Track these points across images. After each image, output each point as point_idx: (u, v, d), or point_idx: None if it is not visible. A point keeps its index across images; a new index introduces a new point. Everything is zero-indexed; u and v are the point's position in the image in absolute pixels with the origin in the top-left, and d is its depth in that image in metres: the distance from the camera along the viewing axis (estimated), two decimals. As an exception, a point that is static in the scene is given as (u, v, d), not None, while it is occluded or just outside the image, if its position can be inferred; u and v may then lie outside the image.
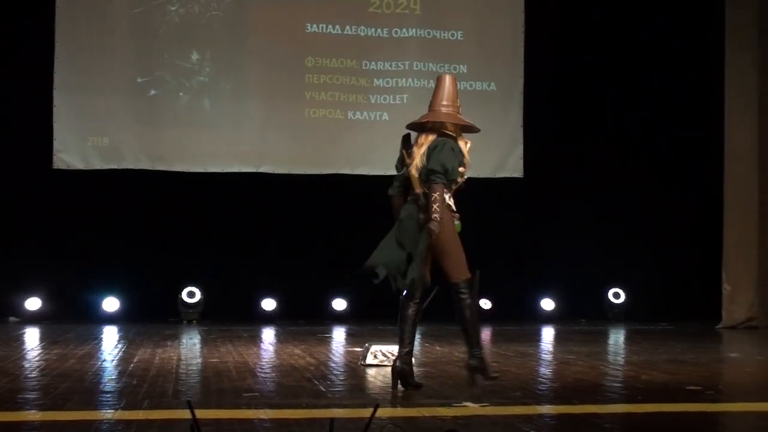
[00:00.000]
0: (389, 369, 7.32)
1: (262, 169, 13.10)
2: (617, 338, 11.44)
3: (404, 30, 13.62)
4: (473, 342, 6.48)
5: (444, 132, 6.55)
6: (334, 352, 9.25)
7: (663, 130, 14.03)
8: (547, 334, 11.78)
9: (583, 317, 13.71)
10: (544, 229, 13.74)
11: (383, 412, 5.25)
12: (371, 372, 7.27)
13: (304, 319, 12.73)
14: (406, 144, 6.64)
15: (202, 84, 13.06)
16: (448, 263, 6.49)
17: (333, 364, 7.97)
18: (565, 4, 13.98)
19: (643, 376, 7.00)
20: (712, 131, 13.40)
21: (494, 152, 13.70)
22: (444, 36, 13.72)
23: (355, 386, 6.64)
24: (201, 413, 4.68)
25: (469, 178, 13.90)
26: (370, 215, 13.32)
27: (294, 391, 6.26)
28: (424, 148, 6.49)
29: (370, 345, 7.78)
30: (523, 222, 13.70)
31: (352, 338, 10.60)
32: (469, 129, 6.74)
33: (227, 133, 13.01)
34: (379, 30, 13.57)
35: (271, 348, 9.61)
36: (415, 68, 13.60)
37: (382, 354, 7.63)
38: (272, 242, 13.04)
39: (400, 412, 5.47)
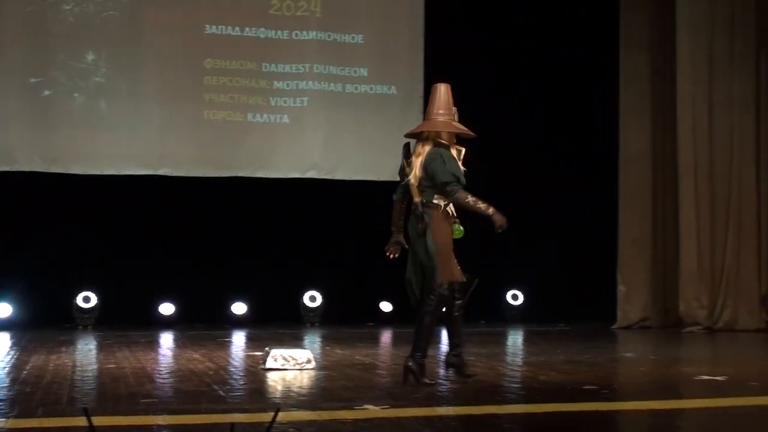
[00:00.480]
0: (290, 373, 7.31)
1: (160, 172, 12.93)
2: (515, 339, 11.59)
3: (304, 32, 13.60)
4: (418, 344, 6.72)
5: (439, 141, 6.73)
6: (233, 356, 9.18)
7: (560, 131, 14.26)
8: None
9: (482, 319, 13.85)
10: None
11: (284, 416, 5.23)
12: (272, 376, 7.23)
13: (203, 323, 12.60)
14: (407, 153, 6.82)
15: (98, 85, 12.84)
16: (440, 263, 6.72)
17: (233, 369, 7.91)
18: (465, 9, 14.12)
19: (541, 376, 7.10)
20: (608, 133, 13.67)
21: (394, 156, 13.67)
22: (344, 39, 13.73)
23: (255, 390, 6.60)
24: (98, 420, 4.60)
25: (369, 182, 14.00)
26: (269, 218, 13.35)
27: (193, 397, 6.19)
28: (420, 159, 6.70)
29: (271, 348, 7.74)
30: (424, 224, 13.77)
31: (252, 342, 10.54)
32: (465, 136, 6.93)
33: (124, 134, 12.82)
34: (279, 32, 13.52)
35: (169, 353, 9.50)
36: (315, 71, 13.58)
37: (282, 358, 7.59)
38: (170, 245, 12.87)
39: (300, 415, 5.45)
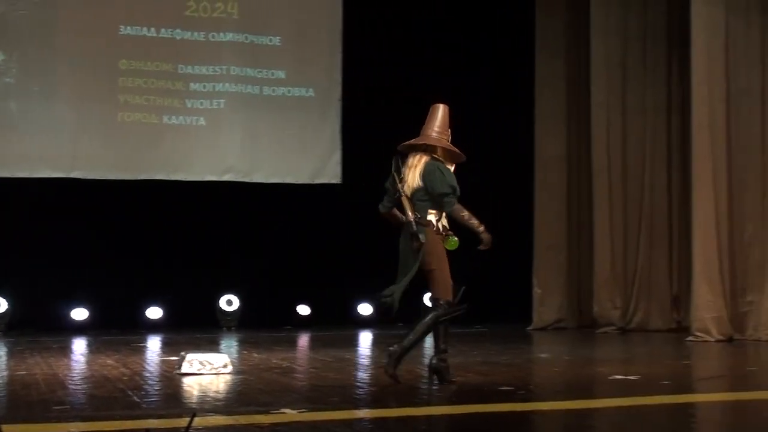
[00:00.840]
0: (206, 378, 7.25)
1: (73, 175, 12.74)
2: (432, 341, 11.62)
3: (221, 34, 13.51)
4: (407, 347, 6.96)
5: (434, 156, 6.91)
6: (148, 361, 9.07)
7: (477, 135, 14.36)
8: (365, 338, 11.89)
9: (400, 321, 13.88)
10: (362, 234, 13.86)
11: (200, 421, 5.19)
12: (188, 381, 7.16)
13: (117, 328, 12.43)
14: (397, 167, 6.93)
15: (8, 85, 12.59)
16: (433, 281, 6.92)
17: (148, 374, 7.81)
18: (382, 12, 14.16)
19: (459, 377, 7.15)
20: (524, 137, 13.82)
21: (312, 158, 13.77)
22: (262, 41, 13.68)
23: (170, 396, 6.53)
24: (9, 428, 4.51)
25: (286, 184, 13.96)
26: (185, 221, 13.22)
27: (107, 403, 6.10)
28: (418, 170, 6.86)
29: (186, 353, 7.66)
30: (342, 227, 13.78)
31: (167, 347, 10.43)
32: (457, 157, 7.11)
33: (36, 136, 12.59)
34: (195, 33, 13.41)
35: (82, 359, 9.34)
36: (232, 73, 13.50)
37: (198, 362, 7.52)
38: (82, 248, 12.65)
39: (217, 420, 5.41)
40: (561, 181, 13.64)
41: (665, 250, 12.75)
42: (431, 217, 6.86)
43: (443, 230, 6.88)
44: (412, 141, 7.04)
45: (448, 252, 6.93)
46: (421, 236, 6.76)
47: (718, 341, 10.72)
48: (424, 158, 6.91)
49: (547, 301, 13.40)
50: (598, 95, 12.95)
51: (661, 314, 12.66)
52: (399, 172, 6.89)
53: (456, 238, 6.91)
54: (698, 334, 10.90)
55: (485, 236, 6.83)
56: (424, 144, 6.97)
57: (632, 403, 6.06)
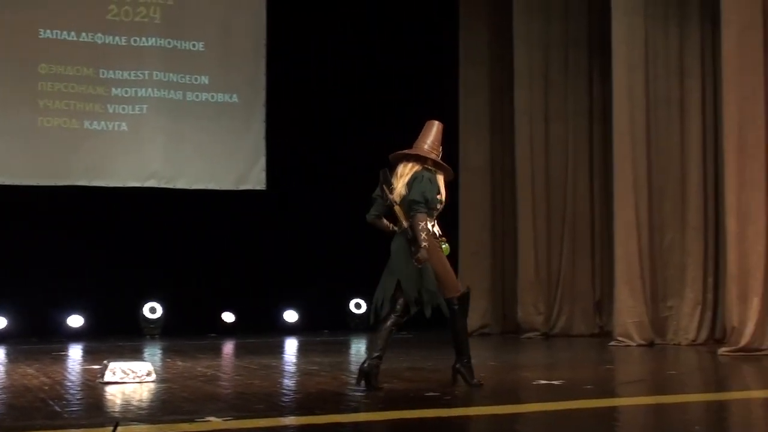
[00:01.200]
0: (130, 386, 7.16)
1: (-9, 180, 12.52)
2: (359, 348, 11.65)
3: (144, 39, 13.38)
4: (461, 351, 7.14)
5: (426, 167, 7.05)
6: (70, 370, 8.93)
7: (402, 143, 14.41)
8: (291, 345, 11.85)
9: (326, 328, 13.89)
10: (287, 240, 13.83)
11: (123, 430, 5.12)
12: (110, 390, 7.06)
13: (37, 336, 12.22)
14: (385, 178, 7.05)
15: (-77, 89, 12.33)
16: (440, 284, 6.96)
17: (69, 383, 7.69)
18: (307, 18, 14.15)
19: (385, 384, 7.16)
20: (449, 145, 13.87)
21: (237, 165, 13.70)
22: (185, 46, 13.58)
23: (93, 405, 6.43)
24: (-76, 440, 4.40)
25: (211, 191, 13.86)
26: (107, 227, 13.05)
27: (27, 413, 5.99)
28: (406, 178, 7.01)
29: (109, 362, 7.56)
30: (266, 234, 13.73)
31: (89, 355, 10.27)
32: (446, 172, 7.23)
33: (-48, 141, 12.35)
34: (117, 38, 13.26)
35: (1, 368, 9.16)
36: (155, 78, 13.38)
37: (121, 371, 7.42)
38: (1, 256, 12.43)
39: (140, 429, 5.34)
40: (485, 188, 13.76)
41: (588, 256, 12.92)
42: (428, 225, 6.97)
43: (438, 236, 7.03)
44: (405, 151, 7.19)
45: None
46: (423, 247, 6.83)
47: (639, 346, 10.89)
48: (415, 168, 7.06)
49: (471, 307, 13.43)
50: (521, 103, 13.09)
51: (584, 319, 12.82)
52: (388, 183, 7.03)
53: (447, 245, 7.07)
54: (620, 338, 11.06)
55: (422, 254, 6.82)
56: (416, 154, 7.12)
57: (557, 408, 6.12)
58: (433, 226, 7.02)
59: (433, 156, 7.15)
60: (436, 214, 7.04)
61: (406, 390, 6.98)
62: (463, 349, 7.18)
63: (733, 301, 9.68)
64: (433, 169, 7.12)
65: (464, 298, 7.17)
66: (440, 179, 7.13)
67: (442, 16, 14.16)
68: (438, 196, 7.01)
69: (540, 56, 13.10)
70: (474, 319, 13.42)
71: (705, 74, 11.47)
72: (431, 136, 7.24)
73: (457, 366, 7.16)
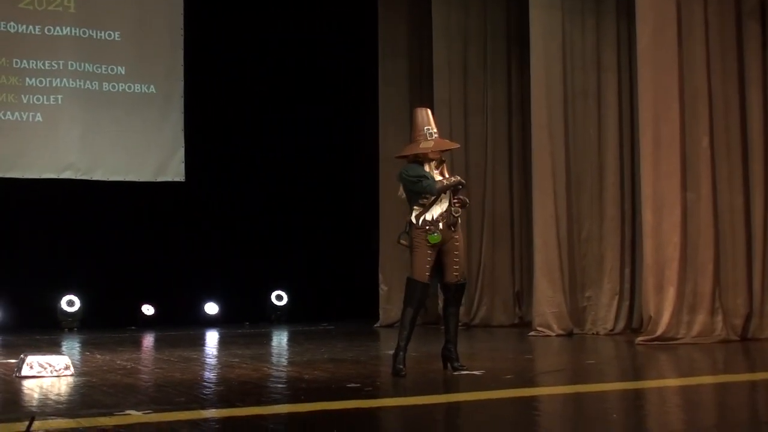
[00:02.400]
0: (47, 380, 7.06)
1: None
2: (280, 340, 11.63)
3: (58, 28, 13.17)
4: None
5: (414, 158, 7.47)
6: (-15, 365, 8.75)
7: (323, 134, 14.42)
8: (212, 337, 11.78)
9: (247, 320, 13.83)
10: (207, 232, 13.74)
11: (40, 425, 5.04)
12: (27, 384, 6.95)
13: (-50, 331, 11.97)
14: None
15: None
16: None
17: (-16, 378, 7.54)
18: (225, 7, 14.06)
19: (306, 375, 7.15)
20: (368, 136, 13.92)
21: (155, 156, 13.56)
22: (101, 36, 13.40)
23: (9, 399, 6.32)
24: None
25: (128, 182, 13.62)
26: (23, 220, 12.82)
27: (-59, 409, 5.87)
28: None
29: (26, 356, 7.43)
30: (186, 226, 13.63)
31: (5, 349, 10.08)
32: (424, 154, 7.45)
33: None
34: (30, 27, 13.04)
35: None
36: (70, 68, 13.18)
37: (38, 365, 7.30)
38: None
39: (58, 423, 5.27)
40: (405, 180, 13.78)
41: (507, 247, 13.05)
42: (413, 218, 7.42)
43: (424, 224, 7.30)
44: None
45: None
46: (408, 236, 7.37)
47: (558, 335, 11.04)
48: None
49: (393, 298, 13.51)
50: (440, 96, 13.15)
51: (504, 310, 12.95)
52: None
53: (436, 234, 7.23)
54: (539, 328, 11.20)
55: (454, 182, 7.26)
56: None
57: (477, 398, 6.18)
58: (420, 214, 7.30)
59: (411, 149, 7.51)
60: (424, 200, 7.31)
61: (327, 381, 6.98)
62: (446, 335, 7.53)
63: (649, 291, 9.86)
64: (421, 159, 7.44)
65: (459, 288, 7.41)
66: (427, 167, 7.39)
67: (361, 8, 14.16)
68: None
69: (459, 48, 13.18)
70: (395, 311, 13.46)
71: (621, 68, 11.66)
72: (412, 124, 7.58)
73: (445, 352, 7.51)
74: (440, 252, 7.26)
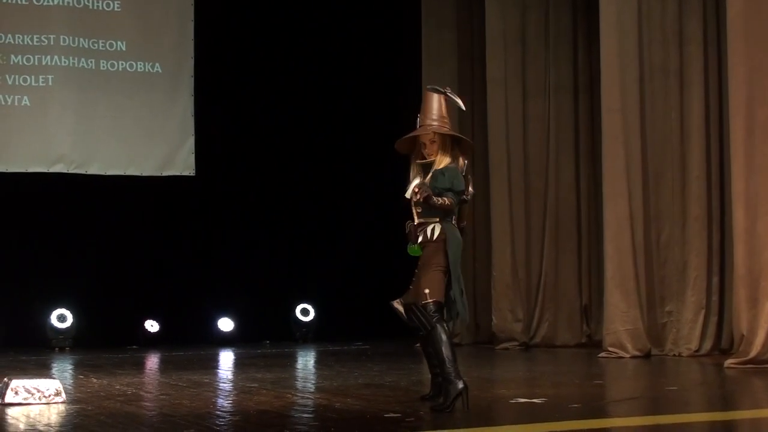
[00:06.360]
0: (35, 408, 7.13)
1: None
2: (307, 361, 11.67)
3: (49, -3, 13.30)
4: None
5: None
6: (-37, 390, 8.85)
7: (360, 121, 14.42)
8: (226, 359, 11.84)
9: (267, 338, 13.89)
10: (220, 236, 13.80)
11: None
12: (12, 412, 7.02)
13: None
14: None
15: None
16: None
17: (-37, 406, 7.63)
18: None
19: (337, 404, 7.17)
20: (410, 126, 13.88)
21: (160, 146, 13.66)
22: (97, 6, 13.51)
23: (-9, 431, 6.40)
24: None
25: (129, 177, 13.74)
26: (6, 221, 12.94)
27: None
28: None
29: (10, 379, 7.51)
30: (196, 228, 13.70)
31: (-14, 373, 10.20)
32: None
33: None
34: (16, -5, 13.19)
35: None
36: (62, 44, 13.30)
37: (25, 390, 7.38)
38: None
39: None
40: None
41: (573, 253, 13.01)
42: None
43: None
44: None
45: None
46: None
47: (633, 357, 10.99)
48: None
49: (436, 314, 13.52)
50: (494, 74, 13.13)
51: (569, 327, 12.92)
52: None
53: (415, 246, 7.32)
54: (611, 349, 11.16)
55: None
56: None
57: (538, 430, 6.17)
58: (408, 223, 7.45)
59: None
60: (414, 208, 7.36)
61: (362, 410, 7.00)
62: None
63: (741, 305, 9.79)
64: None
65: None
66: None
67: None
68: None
69: (516, 18, 13.15)
70: (440, 327, 13.48)
71: (708, 41, 11.58)
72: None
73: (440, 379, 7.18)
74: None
